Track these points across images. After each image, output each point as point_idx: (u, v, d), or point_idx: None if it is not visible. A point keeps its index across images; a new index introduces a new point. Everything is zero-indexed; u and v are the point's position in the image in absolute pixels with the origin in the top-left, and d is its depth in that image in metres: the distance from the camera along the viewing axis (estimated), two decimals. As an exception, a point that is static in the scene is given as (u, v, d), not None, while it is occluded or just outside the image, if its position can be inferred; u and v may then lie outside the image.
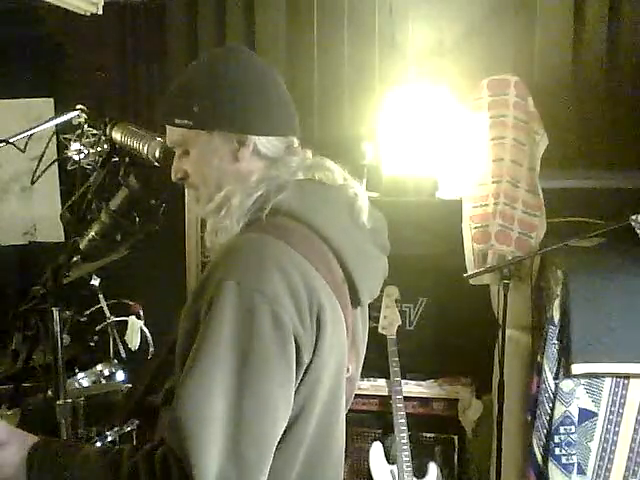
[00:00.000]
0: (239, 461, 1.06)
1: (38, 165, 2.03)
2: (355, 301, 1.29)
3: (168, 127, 1.31)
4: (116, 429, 2.17)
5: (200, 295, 1.15)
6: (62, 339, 1.86)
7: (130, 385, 2.45)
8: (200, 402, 1.06)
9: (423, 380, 2.88)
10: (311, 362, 1.15)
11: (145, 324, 2.58)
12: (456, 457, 2.80)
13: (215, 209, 1.26)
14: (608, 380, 2.24)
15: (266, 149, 1.28)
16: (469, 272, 2.58)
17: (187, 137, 1.28)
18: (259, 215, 1.21)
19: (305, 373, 1.15)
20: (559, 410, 2.23)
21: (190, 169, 1.31)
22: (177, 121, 1.28)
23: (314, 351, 1.15)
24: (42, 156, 2.04)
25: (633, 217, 2.21)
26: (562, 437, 2.22)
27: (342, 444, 1.35)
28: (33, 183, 2.05)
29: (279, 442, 1.15)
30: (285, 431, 1.16)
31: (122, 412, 2.13)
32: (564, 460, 2.23)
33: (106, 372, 2.55)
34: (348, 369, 1.30)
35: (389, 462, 2.77)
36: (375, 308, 2.84)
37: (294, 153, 1.32)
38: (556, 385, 2.24)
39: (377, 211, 1.39)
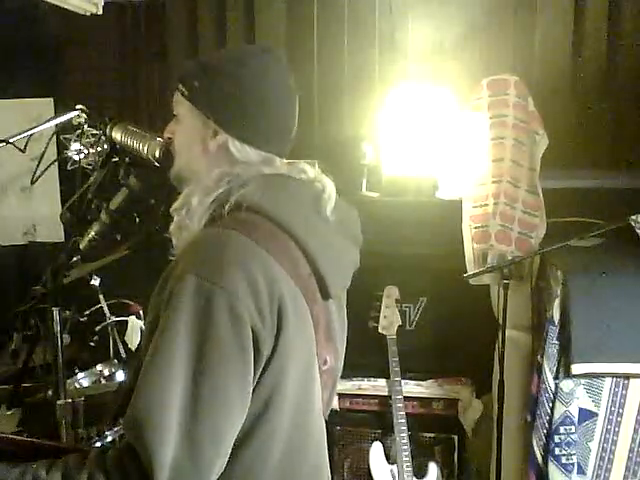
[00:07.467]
0: (193, 450, 1.08)
1: (38, 165, 2.03)
2: (325, 293, 1.29)
3: (176, 89, 1.37)
4: (116, 429, 2.17)
5: (162, 289, 1.17)
6: (62, 339, 1.86)
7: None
8: (157, 393, 1.08)
9: (423, 380, 2.88)
10: (273, 354, 1.16)
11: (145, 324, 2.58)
12: (456, 457, 2.80)
13: (178, 207, 1.30)
14: (608, 380, 2.24)
15: (237, 151, 1.30)
16: (469, 272, 2.58)
17: (181, 104, 1.35)
18: (221, 211, 1.24)
19: (267, 364, 1.16)
20: (559, 410, 2.23)
21: (176, 134, 1.38)
22: (180, 87, 1.34)
23: (275, 344, 1.16)
24: (42, 156, 2.04)
25: (633, 217, 2.21)
26: (562, 437, 2.23)
27: (320, 437, 1.35)
28: (33, 183, 2.05)
29: (250, 433, 1.17)
30: (255, 423, 1.17)
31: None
32: (564, 460, 2.24)
33: (106, 372, 2.54)
34: (326, 361, 1.31)
35: (389, 462, 2.77)
36: (375, 308, 2.84)
37: (269, 166, 1.33)
38: (556, 385, 2.24)
39: (348, 204, 1.40)
